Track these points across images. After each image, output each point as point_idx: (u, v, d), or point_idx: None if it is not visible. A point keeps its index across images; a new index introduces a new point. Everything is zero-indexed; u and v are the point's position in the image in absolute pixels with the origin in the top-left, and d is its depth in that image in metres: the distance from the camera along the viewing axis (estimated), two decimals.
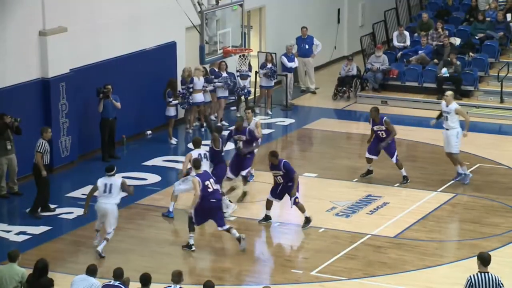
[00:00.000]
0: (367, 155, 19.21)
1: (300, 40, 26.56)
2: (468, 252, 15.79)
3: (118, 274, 12.20)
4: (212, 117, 23.68)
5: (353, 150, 21.74)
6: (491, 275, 11.46)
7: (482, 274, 11.44)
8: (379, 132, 19.00)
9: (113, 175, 15.82)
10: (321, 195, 18.54)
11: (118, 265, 12.51)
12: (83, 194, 18.61)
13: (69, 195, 18.74)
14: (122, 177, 19.46)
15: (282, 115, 24.78)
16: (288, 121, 24.28)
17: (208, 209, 15.78)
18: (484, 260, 11.50)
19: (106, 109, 20.44)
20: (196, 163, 16.15)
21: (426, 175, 19.77)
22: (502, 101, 24.65)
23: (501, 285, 11.40)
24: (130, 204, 18.15)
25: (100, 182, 15.71)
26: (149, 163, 20.58)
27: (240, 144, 18.12)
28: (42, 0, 19.41)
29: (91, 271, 12.31)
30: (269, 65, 24.62)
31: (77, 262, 15.24)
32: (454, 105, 18.83)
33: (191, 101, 22.38)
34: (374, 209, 17.91)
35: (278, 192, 17.02)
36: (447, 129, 18.87)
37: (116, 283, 12.14)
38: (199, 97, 22.54)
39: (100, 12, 21.01)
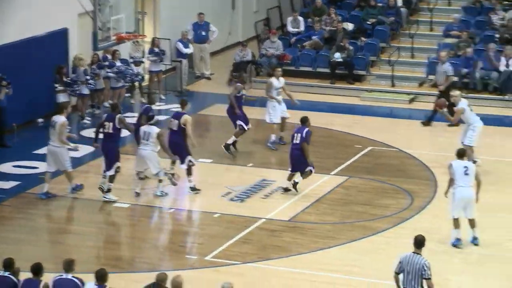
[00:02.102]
0: None
1: (197, 26, 26.49)
2: (359, 234, 16.06)
3: (7, 264, 11.95)
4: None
5: (248, 135, 21.74)
6: (419, 257, 11.95)
7: (413, 254, 12.01)
8: None
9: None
10: (216, 180, 18.57)
11: (9, 255, 12.24)
12: None
13: None
14: (13, 166, 19.32)
15: (177, 101, 24.61)
16: None
17: (173, 144, 17.70)
18: (416, 241, 12.11)
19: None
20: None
21: (320, 158, 19.96)
22: (393, 85, 25.12)
23: (425, 268, 11.81)
24: (21, 193, 17.84)
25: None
26: (40, 151, 20.12)
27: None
28: None
29: None
30: (156, 50, 24.50)
31: None
32: (460, 104, 18.81)
33: (78, 92, 22.04)
34: (269, 193, 18.03)
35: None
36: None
37: (6, 273, 11.90)
38: (82, 89, 22.15)
39: None
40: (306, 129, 17.81)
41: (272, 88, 20.54)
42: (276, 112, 20.55)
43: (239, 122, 20.07)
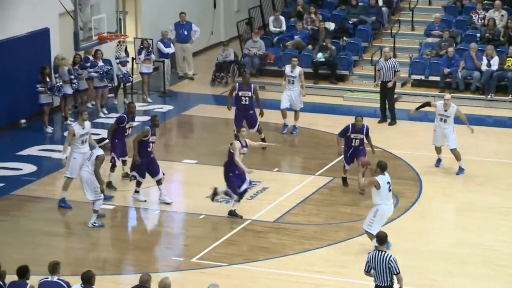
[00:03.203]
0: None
1: (179, 25, 26.44)
2: (345, 235, 16.07)
3: None
4: (89, 105, 23.32)
5: (232, 135, 21.73)
6: (384, 253, 12.19)
7: (378, 252, 12.25)
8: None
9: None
10: (201, 182, 18.51)
11: None
12: None
13: None
14: None
15: (160, 102, 24.64)
16: (166, 107, 24.15)
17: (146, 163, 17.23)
18: (379, 238, 12.45)
19: None
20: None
21: (304, 159, 20.02)
22: (376, 85, 25.12)
23: (392, 264, 12.08)
24: (4, 195, 17.71)
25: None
26: (24, 152, 20.11)
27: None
28: None
29: None
30: (142, 46, 24.41)
31: None
32: (454, 107, 18.91)
33: (61, 93, 21.83)
34: (254, 194, 18.00)
35: (349, 155, 18.00)
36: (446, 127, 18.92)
37: None
38: (66, 89, 22.00)
39: None
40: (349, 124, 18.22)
41: (284, 75, 21.61)
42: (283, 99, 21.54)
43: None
